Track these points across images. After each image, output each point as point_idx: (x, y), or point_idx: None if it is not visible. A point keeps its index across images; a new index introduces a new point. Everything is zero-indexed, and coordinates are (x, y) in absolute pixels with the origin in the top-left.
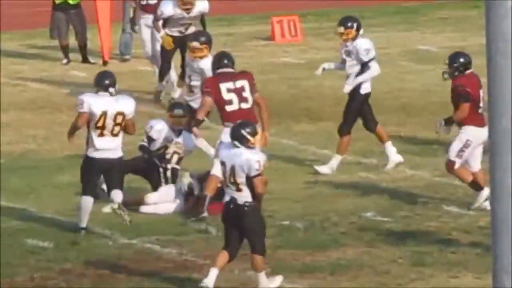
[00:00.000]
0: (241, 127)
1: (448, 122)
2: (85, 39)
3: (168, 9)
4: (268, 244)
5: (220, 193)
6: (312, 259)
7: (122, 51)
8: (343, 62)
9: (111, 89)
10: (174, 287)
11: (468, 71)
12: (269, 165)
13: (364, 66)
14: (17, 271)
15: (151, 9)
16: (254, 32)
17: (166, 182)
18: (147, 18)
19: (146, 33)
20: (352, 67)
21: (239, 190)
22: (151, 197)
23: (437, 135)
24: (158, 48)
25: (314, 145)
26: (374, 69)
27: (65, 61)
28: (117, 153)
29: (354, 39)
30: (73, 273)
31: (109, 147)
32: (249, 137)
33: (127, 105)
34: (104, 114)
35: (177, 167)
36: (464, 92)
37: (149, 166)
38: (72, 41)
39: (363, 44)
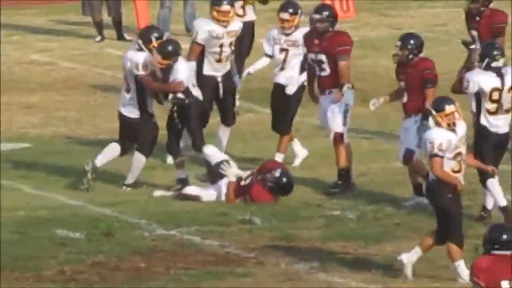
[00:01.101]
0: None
1: (426, 117)
2: (120, 14)
3: None
4: (317, 235)
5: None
6: (364, 253)
7: (160, 26)
8: (270, 55)
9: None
10: (216, 281)
11: (421, 54)
12: (319, 150)
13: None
14: (45, 264)
15: None
16: (302, 7)
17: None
18: None
19: None
20: (295, 56)
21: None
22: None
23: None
24: None
25: (368, 129)
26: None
27: (98, 38)
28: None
29: (297, 27)
30: (106, 266)
31: None
32: (433, 112)
33: None
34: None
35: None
36: (432, 76)
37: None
38: (106, 17)
39: None
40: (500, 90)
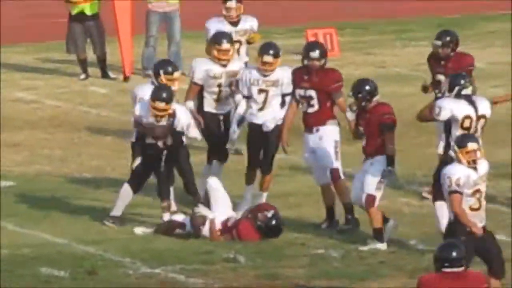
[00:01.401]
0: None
1: (390, 163)
2: (104, 52)
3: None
4: (302, 274)
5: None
6: None
7: (145, 65)
8: (248, 96)
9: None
10: None
11: (375, 98)
12: (302, 189)
13: (284, 97)
14: None
15: None
16: (287, 46)
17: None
18: None
19: None
20: (275, 97)
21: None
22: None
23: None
24: None
25: (352, 167)
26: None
27: (83, 76)
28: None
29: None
30: None
31: None
32: (456, 148)
33: None
34: None
35: None
36: (390, 121)
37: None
38: (91, 55)
39: (289, 74)
40: (472, 118)
